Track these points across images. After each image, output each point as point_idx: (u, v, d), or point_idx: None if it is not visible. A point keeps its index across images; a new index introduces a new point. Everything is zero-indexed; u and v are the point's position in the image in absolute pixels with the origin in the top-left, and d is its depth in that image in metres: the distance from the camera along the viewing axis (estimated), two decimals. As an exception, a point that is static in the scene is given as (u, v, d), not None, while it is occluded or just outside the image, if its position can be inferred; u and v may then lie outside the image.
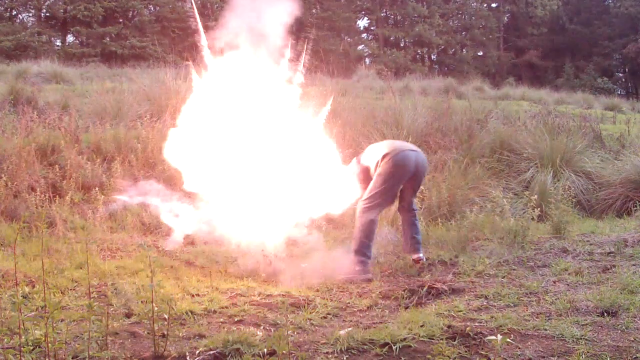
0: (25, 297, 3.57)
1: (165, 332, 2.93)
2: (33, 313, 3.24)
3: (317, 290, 4.20)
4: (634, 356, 2.86)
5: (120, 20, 28.99)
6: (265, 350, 2.85)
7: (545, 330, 3.19)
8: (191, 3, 4.76)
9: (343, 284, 4.35)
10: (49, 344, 2.49)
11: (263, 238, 4.64)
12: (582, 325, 3.26)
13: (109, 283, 4.00)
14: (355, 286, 4.28)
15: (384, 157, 4.64)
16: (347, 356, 2.93)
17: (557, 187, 6.90)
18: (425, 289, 4.04)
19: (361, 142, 7.54)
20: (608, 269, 4.34)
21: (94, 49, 26.88)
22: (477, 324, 3.33)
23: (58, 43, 28.98)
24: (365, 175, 4.80)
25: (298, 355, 2.59)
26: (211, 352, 2.90)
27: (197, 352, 2.89)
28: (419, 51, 36.56)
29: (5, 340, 2.87)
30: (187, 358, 2.84)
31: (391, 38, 36.18)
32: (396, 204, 4.97)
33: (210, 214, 4.84)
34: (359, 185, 4.83)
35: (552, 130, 8.35)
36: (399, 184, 4.68)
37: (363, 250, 4.56)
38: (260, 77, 4.60)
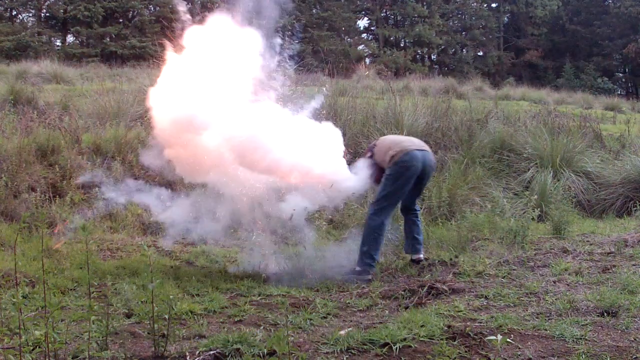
0: (25, 297, 3.58)
1: (165, 332, 2.93)
2: (33, 313, 3.25)
3: (317, 290, 4.20)
4: (634, 356, 2.86)
5: (120, 20, 29.00)
6: (265, 350, 2.86)
7: (545, 330, 3.19)
8: None
9: (343, 284, 4.35)
10: (49, 344, 2.49)
11: (261, 232, 4.61)
12: (582, 325, 3.26)
13: (109, 283, 4.00)
14: (355, 286, 4.27)
15: (391, 158, 4.57)
16: (347, 356, 2.93)
17: (557, 187, 6.90)
18: (425, 289, 4.03)
19: (361, 142, 7.53)
20: (608, 269, 4.33)
21: (94, 49, 26.89)
22: (477, 324, 3.33)
23: (58, 43, 29.03)
24: (377, 171, 4.73)
25: (298, 355, 2.58)
26: (211, 352, 2.90)
27: (197, 352, 2.90)
28: (419, 51, 36.55)
29: (5, 340, 2.87)
30: (187, 358, 2.84)
31: (391, 38, 36.20)
32: (398, 204, 4.95)
33: (208, 212, 4.83)
34: (372, 180, 4.76)
35: (552, 130, 8.35)
36: (407, 184, 4.61)
37: (370, 253, 4.53)
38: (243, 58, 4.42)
